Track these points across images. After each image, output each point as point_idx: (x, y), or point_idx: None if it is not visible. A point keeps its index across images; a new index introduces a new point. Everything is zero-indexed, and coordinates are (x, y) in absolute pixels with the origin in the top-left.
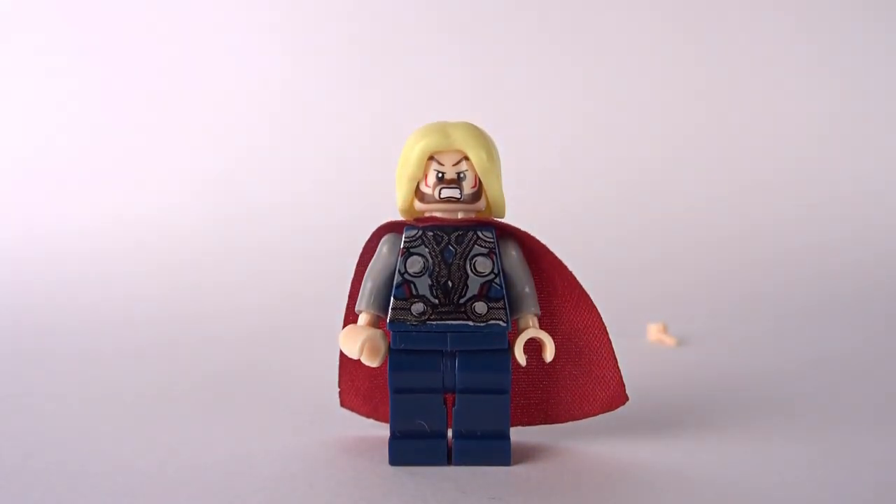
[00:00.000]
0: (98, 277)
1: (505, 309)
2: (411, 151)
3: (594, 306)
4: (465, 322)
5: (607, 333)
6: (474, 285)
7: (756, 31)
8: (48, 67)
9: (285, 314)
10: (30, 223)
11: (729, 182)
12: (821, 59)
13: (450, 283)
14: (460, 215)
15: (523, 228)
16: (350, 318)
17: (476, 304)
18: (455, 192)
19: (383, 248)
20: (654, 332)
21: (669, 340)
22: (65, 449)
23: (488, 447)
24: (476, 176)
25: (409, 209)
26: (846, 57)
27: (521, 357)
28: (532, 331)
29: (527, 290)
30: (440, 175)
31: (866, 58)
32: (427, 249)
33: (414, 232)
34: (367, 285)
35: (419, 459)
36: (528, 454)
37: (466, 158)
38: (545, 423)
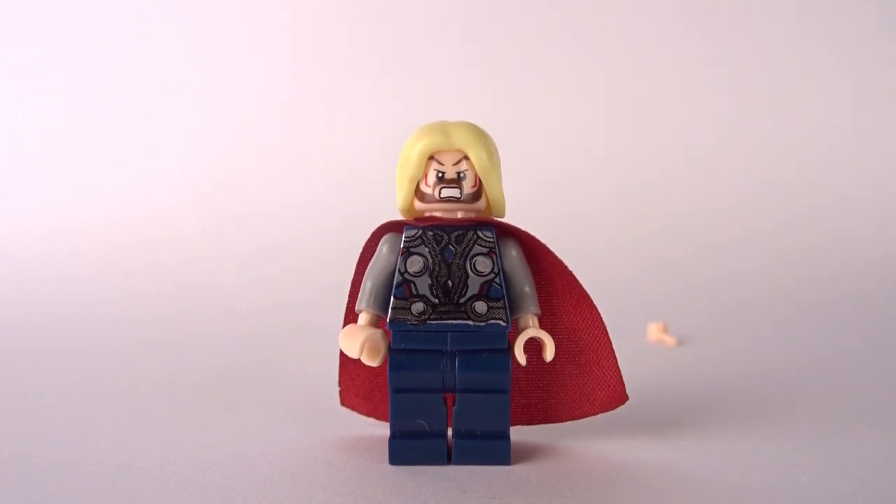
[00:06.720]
0: (98, 277)
1: (505, 308)
2: (411, 151)
3: (594, 305)
4: (465, 322)
5: (607, 333)
6: (474, 285)
7: (759, 33)
8: (49, 66)
9: (285, 314)
10: (30, 222)
11: (730, 183)
12: (819, 64)
13: (450, 283)
14: (460, 215)
15: (523, 228)
16: (350, 317)
17: (476, 303)
18: (455, 192)
19: (383, 247)
20: (654, 332)
21: (669, 340)
22: (65, 449)
23: (488, 447)
24: (476, 175)
25: (409, 209)
26: (845, 63)
27: (521, 356)
28: (532, 330)
29: (527, 289)
30: (440, 175)
31: (867, 66)
32: (427, 249)
33: (414, 231)
34: (367, 285)
35: (419, 459)
36: (528, 454)
37: (466, 158)
38: (545, 423)
